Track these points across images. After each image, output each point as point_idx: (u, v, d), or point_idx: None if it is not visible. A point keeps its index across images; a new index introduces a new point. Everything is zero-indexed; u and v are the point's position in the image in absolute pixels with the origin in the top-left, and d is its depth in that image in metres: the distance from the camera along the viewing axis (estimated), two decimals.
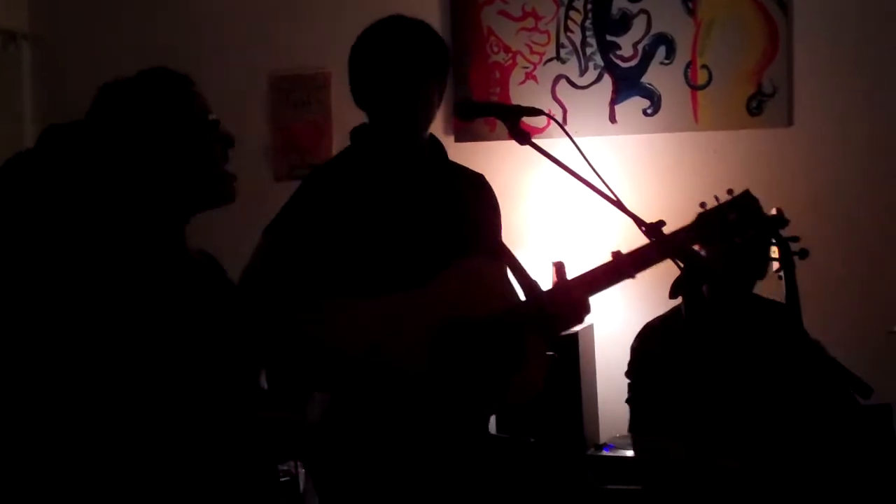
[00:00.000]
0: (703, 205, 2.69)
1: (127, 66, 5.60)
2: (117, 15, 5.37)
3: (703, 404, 3.19)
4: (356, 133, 2.77)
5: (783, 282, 3.15)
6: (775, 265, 3.19)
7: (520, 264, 2.66)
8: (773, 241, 3.17)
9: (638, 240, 2.54)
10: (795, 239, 3.19)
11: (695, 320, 3.25)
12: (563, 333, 2.72)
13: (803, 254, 3.18)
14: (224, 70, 5.23)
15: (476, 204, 2.79)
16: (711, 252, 3.18)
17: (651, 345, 3.33)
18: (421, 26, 2.72)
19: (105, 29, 5.38)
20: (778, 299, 3.23)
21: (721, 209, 2.62)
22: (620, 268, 2.57)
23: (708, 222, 2.60)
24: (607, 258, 2.62)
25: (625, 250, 2.61)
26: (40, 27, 5.38)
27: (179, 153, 2.21)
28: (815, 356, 3.21)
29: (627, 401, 3.38)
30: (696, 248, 2.70)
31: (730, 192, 2.64)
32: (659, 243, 2.47)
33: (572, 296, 2.53)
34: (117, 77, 2.26)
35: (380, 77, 2.65)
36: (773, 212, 3.12)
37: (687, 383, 3.21)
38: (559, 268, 3.30)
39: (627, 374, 3.40)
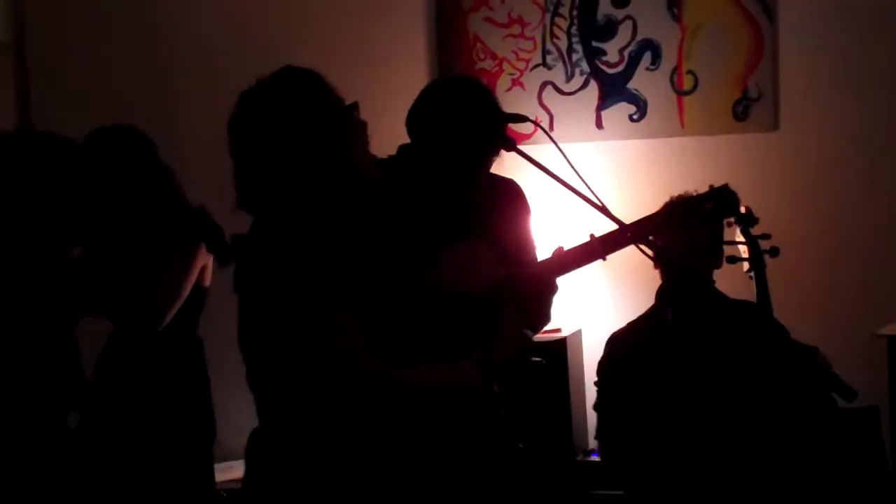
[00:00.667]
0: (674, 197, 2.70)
1: (112, 74, 5.59)
2: (98, 23, 5.35)
3: (679, 409, 3.19)
4: (403, 151, 2.84)
5: (754, 281, 3.15)
6: (745, 265, 3.18)
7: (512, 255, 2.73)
8: (743, 239, 3.17)
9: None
10: (766, 237, 3.19)
11: (681, 325, 3.26)
12: (545, 332, 2.80)
13: (774, 252, 3.17)
14: (213, 77, 5.23)
15: (488, 203, 2.85)
16: (669, 245, 3.17)
17: (619, 355, 3.34)
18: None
19: (86, 37, 5.36)
20: (749, 299, 3.23)
21: (698, 198, 2.62)
22: (591, 248, 2.59)
23: (682, 209, 2.61)
24: (591, 266, 2.65)
25: (609, 258, 2.63)
26: (17, 36, 5.36)
27: (325, 140, 2.31)
28: (788, 353, 3.23)
29: (595, 407, 3.39)
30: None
31: (711, 186, 2.66)
32: (629, 226, 2.51)
33: (531, 271, 2.57)
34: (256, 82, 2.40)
35: (473, 142, 2.73)
36: (742, 210, 3.11)
37: (661, 389, 3.21)
38: None
39: (596, 383, 3.40)
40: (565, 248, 2.56)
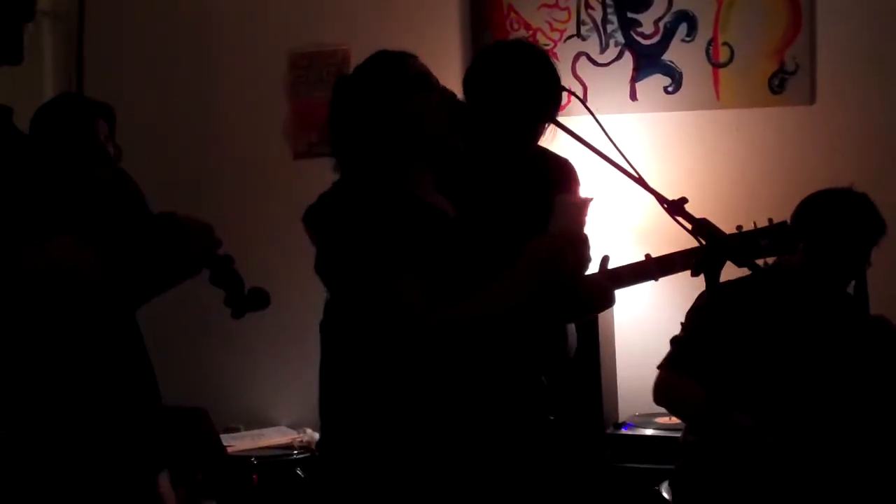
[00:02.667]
0: (739, 227, 2.70)
1: (146, 45, 5.63)
2: None
3: (758, 374, 3.17)
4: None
5: None
6: None
7: None
8: None
9: (659, 217, 2.52)
10: None
11: (715, 298, 3.24)
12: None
13: None
14: (244, 48, 5.23)
15: (544, 188, 2.86)
16: (804, 251, 3.19)
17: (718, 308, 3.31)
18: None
19: (125, 6, 5.38)
20: None
21: (754, 233, 2.63)
22: (646, 269, 2.61)
23: (740, 242, 2.62)
24: (627, 237, 2.65)
25: (646, 230, 2.63)
26: (61, 4, 5.39)
27: (406, 114, 2.41)
28: (880, 335, 3.23)
29: (672, 339, 3.34)
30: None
31: (770, 220, 2.68)
32: (684, 253, 2.57)
33: (601, 285, 2.58)
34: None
35: (532, 108, 2.77)
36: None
37: (746, 350, 3.19)
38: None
39: (684, 324, 3.35)
40: (617, 264, 2.58)
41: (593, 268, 2.69)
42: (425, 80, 2.46)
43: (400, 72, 2.44)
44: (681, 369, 3.23)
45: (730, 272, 2.50)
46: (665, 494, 3.33)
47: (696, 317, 3.30)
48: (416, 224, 2.37)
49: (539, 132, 2.84)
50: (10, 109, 2.19)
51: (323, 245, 2.41)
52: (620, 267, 2.68)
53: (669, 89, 4.70)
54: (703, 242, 2.38)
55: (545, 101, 2.74)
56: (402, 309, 2.27)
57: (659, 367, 3.31)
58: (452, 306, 2.30)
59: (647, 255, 2.62)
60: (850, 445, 3.14)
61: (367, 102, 2.42)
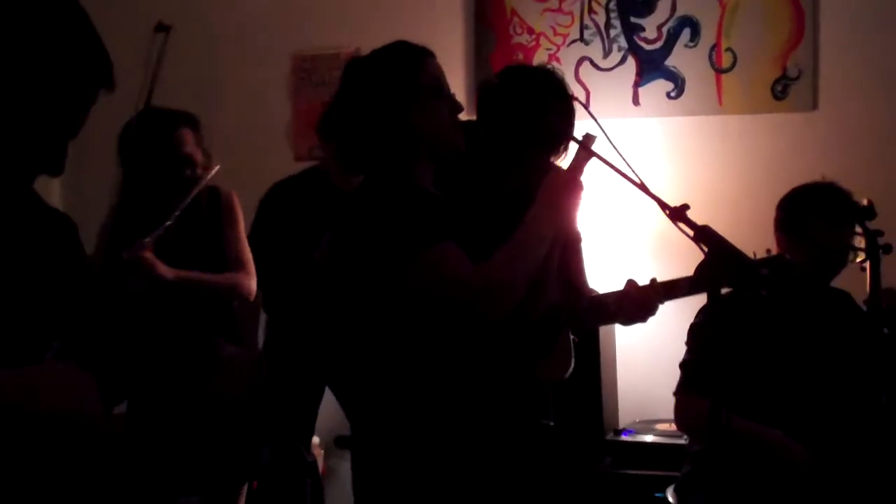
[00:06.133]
0: None
1: (147, 46, 5.61)
2: None
3: (763, 383, 3.17)
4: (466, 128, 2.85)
5: (866, 273, 3.22)
6: (860, 256, 3.24)
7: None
8: (860, 231, 3.22)
9: (663, 225, 2.51)
10: (879, 233, 3.24)
11: (715, 310, 3.23)
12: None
13: (887, 249, 3.24)
14: (247, 49, 5.23)
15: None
16: (795, 249, 3.19)
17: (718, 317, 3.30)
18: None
19: (125, 5, 5.37)
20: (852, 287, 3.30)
21: (755, 263, 2.64)
22: (654, 291, 2.63)
23: (742, 271, 2.62)
24: (632, 245, 2.65)
25: (651, 238, 2.62)
26: None
27: (408, 112, 2.43)
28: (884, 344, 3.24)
29: (681, 364, 3.32)
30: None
31: (768, 251, 2.69)
32: (690, 279, 2.58)
33: (644, 298, 2.58)
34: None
35: (542, 131, 2.82)
36: (864, 202, 3.30)
37: (752, 360, 3.18)
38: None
39: (688, 344, 3.35)
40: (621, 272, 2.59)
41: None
42: (437, 88, 2.47)
43: (413, 75, 2.45)
44: (695, 391, 3.21)
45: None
46: (670, 499, 3.31)
47: (698, 335, 3.29)
48: (434, 208, 2.38)
49: (542, 157, 2.86)
50: None
51: (349, 240, 2.39)
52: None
53: (672, 94, 4.70)
54: (705, 250, 2.37)
55: (563, 133, 2.76)
56: (453, 273, 2.28)
57: (675, 395, 3.29)
58: (493, 260, 2.31)
59: (653, 280, 2.62)
60: (860, 441, 3.14)
61: (377, 100, 2.44)
